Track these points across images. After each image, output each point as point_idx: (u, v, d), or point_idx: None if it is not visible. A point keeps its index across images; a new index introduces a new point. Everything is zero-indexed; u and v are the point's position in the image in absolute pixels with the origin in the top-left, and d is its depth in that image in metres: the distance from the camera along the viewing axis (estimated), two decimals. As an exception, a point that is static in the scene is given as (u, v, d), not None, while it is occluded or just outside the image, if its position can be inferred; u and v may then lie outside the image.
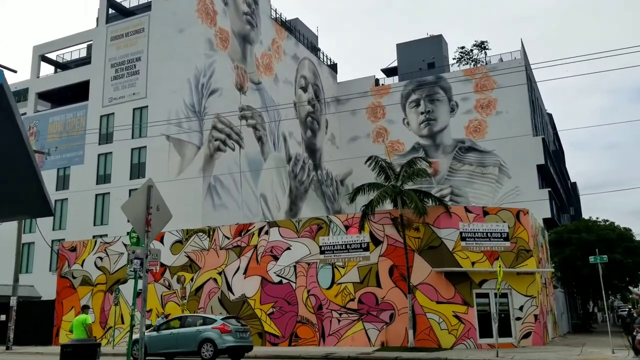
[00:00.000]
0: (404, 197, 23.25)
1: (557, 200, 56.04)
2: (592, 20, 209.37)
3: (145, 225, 8.51)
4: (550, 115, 74.92)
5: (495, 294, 20.86)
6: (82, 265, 30.64)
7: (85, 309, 15.71)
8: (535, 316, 23.44)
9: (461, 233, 23.45)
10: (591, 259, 22.83)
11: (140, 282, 9.08)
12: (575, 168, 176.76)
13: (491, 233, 23.67)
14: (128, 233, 21.14)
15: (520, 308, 23.36)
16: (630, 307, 64.60)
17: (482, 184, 53.32)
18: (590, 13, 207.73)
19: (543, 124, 61.88)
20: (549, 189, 51.19)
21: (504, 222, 23.89)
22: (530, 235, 24.25)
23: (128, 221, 11.57)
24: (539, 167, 50.89)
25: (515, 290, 23.42)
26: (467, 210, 24.17)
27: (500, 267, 19.82)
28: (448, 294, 23.04)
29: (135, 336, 16.61)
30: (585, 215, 64.19)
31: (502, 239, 23.65)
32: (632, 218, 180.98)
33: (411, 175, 23.86)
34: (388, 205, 24.57)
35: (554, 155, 61.60)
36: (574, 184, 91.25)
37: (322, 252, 25.21)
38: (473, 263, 23.27)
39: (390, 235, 24.09)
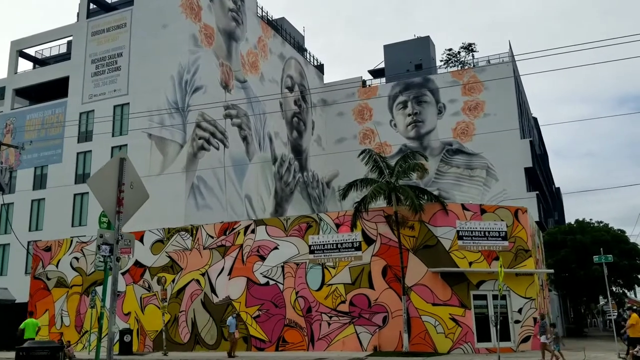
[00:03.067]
0: (398, 194, 22.11)
1: (544, 203, 55.40)
2: (584, 25, 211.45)
3: (117, 204, 7.23)
4: (535, 119, 74.50)
5: (496, 296, 19.79)
6: (57, 266, 29.12)
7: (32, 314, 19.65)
8: (535, 319, 22.41)
9: (458, 232, 22.39)
10: (595, 258, 21.99)
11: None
12: (556, 175, 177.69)
13: (489, 232, 22.64)
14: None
15: (519, 310, 22.33)
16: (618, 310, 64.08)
17: (470, 187, 52.56)
18: (582, 17, 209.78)
19: (530, 128, 61.34)
20: (537, 192, 50.53)
21: (502, 220, 22.89)
22: (528, 234, 23.28)
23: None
24: (527, 170, 50.23)
25: (514, 292, 22.37)
26: (464, 207, 23.10)
27: (501, 267, 18.75)
28: (444, 296, 21.93)
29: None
30: (568, 220, 63.61)
31: (500, 238, 22.63)
32: (613, 225, 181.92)
33: (407, 170, 22.76)
34: (381, 203, 23.43)
35: (540, 159, 61.03)
36: (558, 188, 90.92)
37: (311, 252, 24.02)
38: (470, 263, 22.21)
39: (383, 233, 22.97)
